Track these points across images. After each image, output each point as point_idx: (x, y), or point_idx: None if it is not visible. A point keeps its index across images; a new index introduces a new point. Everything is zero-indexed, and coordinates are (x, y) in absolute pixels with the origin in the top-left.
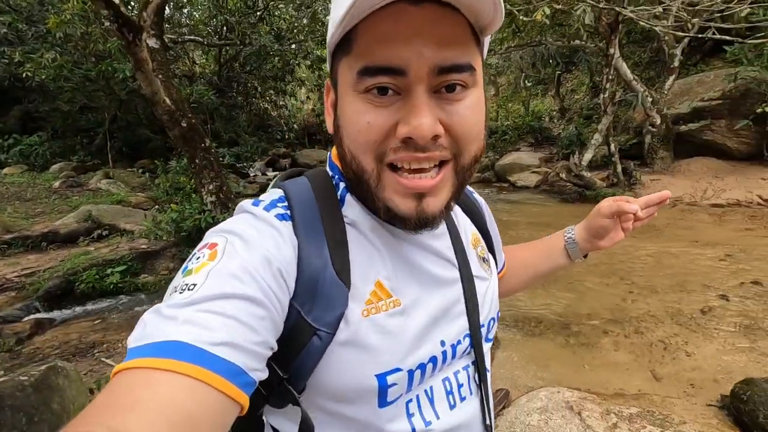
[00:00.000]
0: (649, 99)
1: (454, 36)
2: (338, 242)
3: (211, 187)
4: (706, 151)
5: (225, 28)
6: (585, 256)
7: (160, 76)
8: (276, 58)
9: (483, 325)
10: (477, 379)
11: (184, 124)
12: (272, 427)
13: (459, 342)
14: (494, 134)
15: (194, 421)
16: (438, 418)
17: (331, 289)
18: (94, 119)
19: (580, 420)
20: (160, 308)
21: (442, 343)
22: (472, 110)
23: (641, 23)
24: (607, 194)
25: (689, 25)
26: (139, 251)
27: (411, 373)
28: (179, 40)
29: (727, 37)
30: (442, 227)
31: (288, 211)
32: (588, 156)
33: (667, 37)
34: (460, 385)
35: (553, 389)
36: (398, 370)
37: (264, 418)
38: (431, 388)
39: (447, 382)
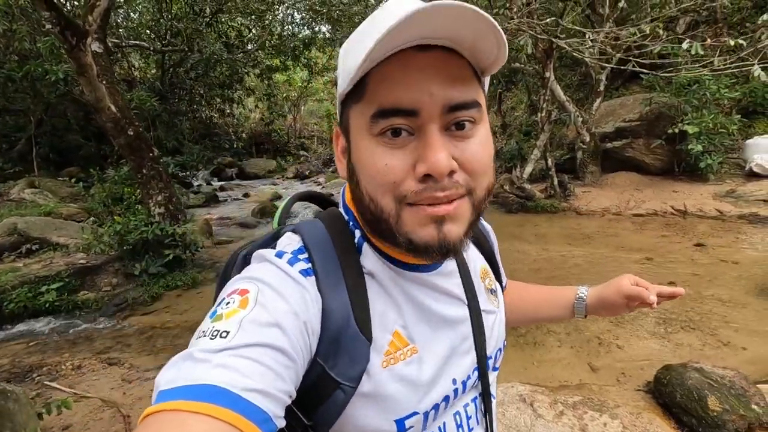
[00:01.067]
0: (580, 118)
1: (460, 76)
2: (359, 296)
3: (159, 198)
4: (629, 167)
5: (169, 32)
6: (585, 316)
7: (104, 81)
8: (224, 66)
9: (490, 357)
10: (483, 408)
11: (131, 133)
12: None
13: (468, 377)
14: None
15: None
16: None
17: (353, 344)
18: (15, 123)
19: (533, 410)
20: (192, 352)
21: (454, 382)
22: (482, 146)
23: (575, 54)
24: (545, 205)
25: (612, 56)
26: (77, 266)
27: (426, 414)
28: (123, 44)
29: (644, 70)
30: (452, 266)
31: (310, 265)
32: (528, 169)
33: (594, 64)
34: (468, 417)
35: (508, 384)
36: (415, 413)
37: None
38: (444, 423)
39: (458, 416)
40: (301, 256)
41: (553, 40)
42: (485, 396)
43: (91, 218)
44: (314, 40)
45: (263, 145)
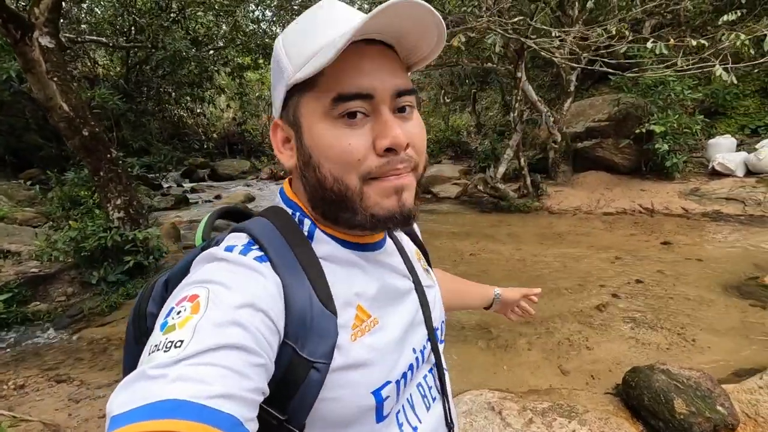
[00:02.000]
0: (551, 119)
1: (399, 67)
2: (317, 275)
3: (118, 201)
4: (599, 166)
5: (133, 28)
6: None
7: (55, 78)
8: (193, 64)
9: (437, 329)
10: (438, 380)
11: (86, 133)
12: None
13: (424, 347)
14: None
15: None
16: (421, 422)
17: (321, 321)
18: None
19: (501, 419)
20: (145, 370)
21: (414, 351)
22: (420, 127)
23: (543, 53)
24: (519, 205)
25: (582, 57)
26: (29, 275)
27: (398, 383)
28: (79, 39)
29: (611, 70)
30: (393, 246)
31: (263, 252)
32: (502, 169)
33: (564, 65)
34: (429, 388)
35: (477, 392)
36: (388, 382)
37: None
38: (411, 395)
39: (420, 387)
40: (253, 247)
41: (523, 39)
42: (438, 367)
43: (48, 223)
44: None
45: (236, 146)
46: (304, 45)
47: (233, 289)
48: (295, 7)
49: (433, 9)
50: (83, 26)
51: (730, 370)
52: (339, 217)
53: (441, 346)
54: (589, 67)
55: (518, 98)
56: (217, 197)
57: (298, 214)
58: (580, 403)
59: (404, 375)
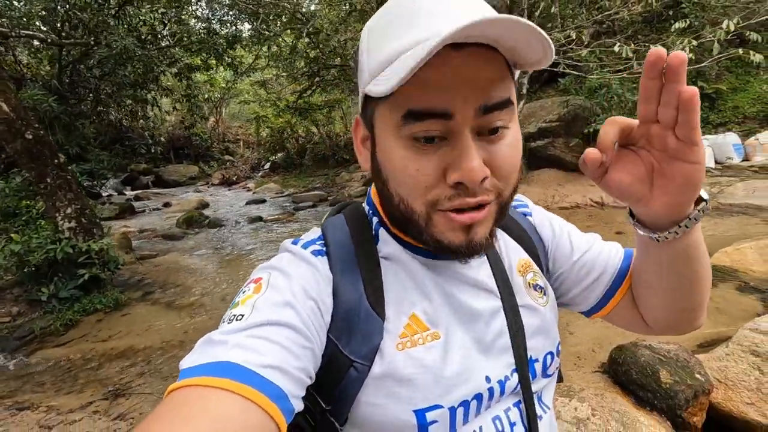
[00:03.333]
0: None
1: (495, 75)
2: (372, 276)
3: (69, 210)
4: (551, 164)
5: (67, 24)
6: (669, 236)
7: None
8: (139, 64)
9: (536, 360)
10: (526, 419)
11: (29, 136)
12: None
13: (507, 378)
14: None
15: None
16: None
17: (366, 322)
18: None
19: None
20: (211, 336)
21: (488, 380)
22: (512, 147)
23: None
24: None
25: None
26: None
27: (453, 410)
28: (12, 34)
29: (569, 71)
30: (482, 257)
31: (324, 248)
32: None
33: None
34: (512, 424)
35: None
36: (438, 407)
37: None
38: (480, 428)
39: (498, 421)
40: (317, 242)
41: None
42: (527, 402)
43: None
44: (239, 38)
45: (183, 150)
46: (383, 45)
47: (290, 276)
48: (251, 7)
49: (530, 23)
50: (4, 20)
51: (696, 342)
52: (407, 230)
53: (544, 381)
54: (549, 69)
55: None
56: (166, 205)
57: (371, 212)
58: (575, 383)
59: (464, 403)
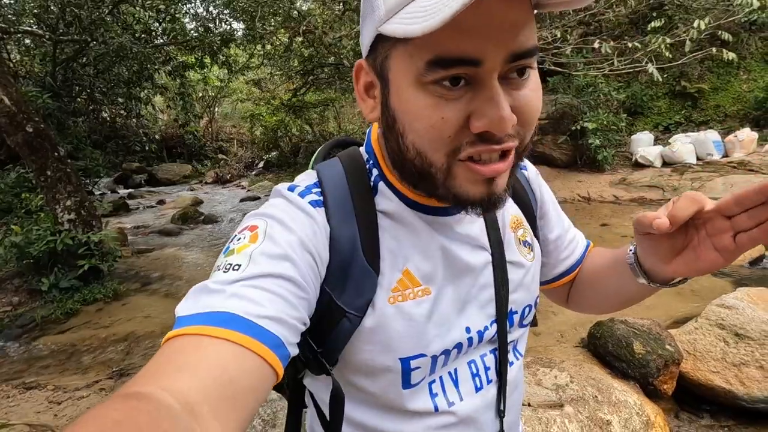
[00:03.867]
0: None
1: (523, 20)
2: (369, 230)
3: (68, 203)
4: (540, 161)
5: (62, 21)
6: (672, 284)
7: None
8: (132, 61)
9: (516, 312)
10: (499, 364)
11: (30, 129)
12: (310, 392)
13: (486, 328)
14: None
15: (239, 385)
16: (461, 399)
17: (360, 275)
18: None
19: None
20: (207, 284)
21: (467, 330)
22: (535, 92)
23: None
24: None
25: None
26: None
27: (435, 358)
28: (11, 30)
29: (558, 69)
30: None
31: (321, 198)
32: None
33: None
34: (487, 368)
35: None
36: (422, 355)
37: (304, 382)
38: (455, 370)
39: (473, 365)
40: (314, 190)
41: None
42: (501, 351)
43: None
44: (233, 37)
45: (176, 149)
46: None
47: (289, 226)
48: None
49: None
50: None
51: (670, 320)
52: (418, 185)
53: (520, 331)
54: (543, 67)
55: None
56: (161, 202)
57: (371, 162)
58: (556, 356)
59: (446, 352)
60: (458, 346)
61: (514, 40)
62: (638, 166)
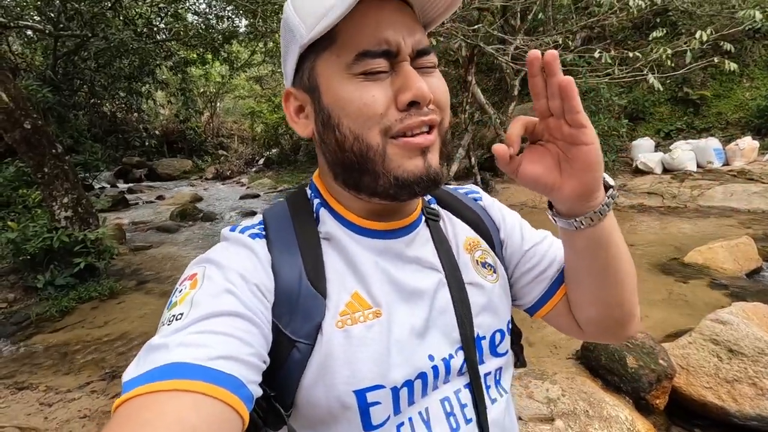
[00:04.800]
0: (498, 120)
1: (416, 25)
2: (312, 254)
3: (65, 200)
4: None
5: (63, 15)
6: (585, 222)
7: None
8: (135, 57)
9: (483, 337)
10: (473, 397)
11: (28, 126)
12: None
13: (452, 356)
14: None
15: None
16: None
17: (306, 300)
18: None
19: None
20: (150, 342)
21: (431, 358)
22: (443, 83)
23: (492, 55)
24: None
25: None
26: None
27: (395, 390)
28: (11, 24)
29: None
30: (425, 234)
31: (263, 231)
32: (454, 168)
33: (509, 70)
34: (463, 406)
35: None
36: (380, 387)
37: None
38: (427, 409)
39: (447, 403)
40: (256, 227)
41: (482, 45)
42: (474, 382)
43: None
44: (235, 34)
45: (176, 144)
46: (316, 3)
47: (226, 264)
48: (248, 4)
49: None
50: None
51: (664, 333)
52: (361, 183)
53: (496, 361)
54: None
55: (468, 101)
56: (160, 198)
57: (314, 194)
58: (549, 368)
59: (408, 383)
60: (422, 375)
61: (414, 37)
62: (638, 172)
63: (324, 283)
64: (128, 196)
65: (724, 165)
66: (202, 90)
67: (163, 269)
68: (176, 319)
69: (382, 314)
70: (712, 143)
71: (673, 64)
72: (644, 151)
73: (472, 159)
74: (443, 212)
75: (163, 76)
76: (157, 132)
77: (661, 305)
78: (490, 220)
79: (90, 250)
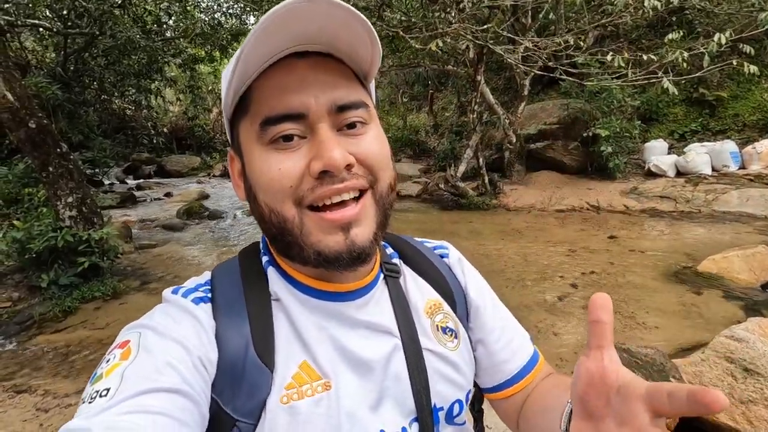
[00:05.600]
0: (507, 121)
1: (341, 79)
2: (261, 320)
3: (70, 199)
4: (550, 166)
5: (73, 12)
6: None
7: None
8: (143, 54)
9: (441, 408)
10: None
11: (33, 125)
12: None
13: (405, 430)
14: None
15: None
16: None
17: (252, 374)
18: None
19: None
20: (68, 426)
21: None
22: (376, 142)
23: (500, 55)
24: (478, 202)
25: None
26: None
27: None
28: (19, 23)
29: (564, 77)
30: (381, 295)
31: (209, 294)
32: (462, 168)
33: (518, 70)
34: None
35: None
36: None
37: None
38: None
39: None
40: (201, 288)
41: (490, 45)
42: None
43: None
44: (243, 32)
45: (185, 141)
46: (229, 71)
47: (164, 333)
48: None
49: (344, 4)
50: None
51: (676, 346)
52: (290, 253)
53: (451, 429)
54: (544, 73)
55: (477, 100)
56: (168, 195)
57: (263, 249)
58: None
59: None
60: None
61: (332, 93)
62: (651, 175)
63: (272, 354)
64: (137, 193)
65: (740, 169)
66: (210, 87)
67: (167, 269)
68: (100, 396)
69: (332, 387)
70: (728, 146)
71: (689, 67)
72: (657, 153)
73: (480, 159)
74: (405, 269)
75: (172, 74)
76: (165, 129)
77: (673, 317)
78: (455, 279)
79: (94, 249)
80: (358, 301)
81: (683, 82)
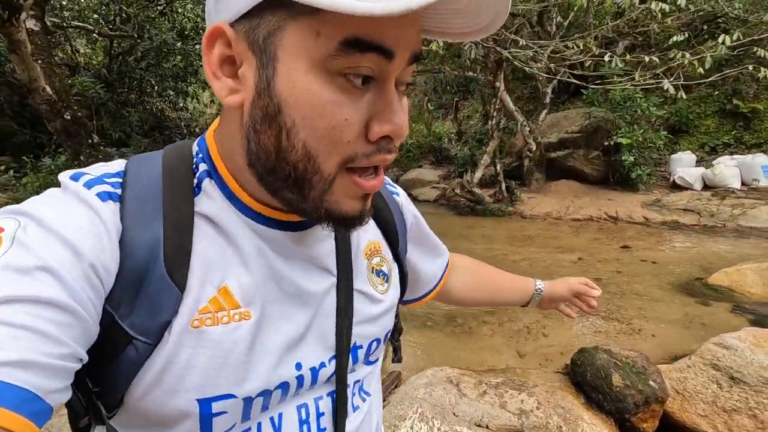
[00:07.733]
0: (527, 128)
1: (420, 23)
2: (179, 234)
3: None
4: (570, 175)
5: (118, 18)
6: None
7: (39, 61)
8: (178, 57)
9: (360, 347)
10: (334, 411)
11: (68, 117)
12: None
13: (323, 365)
14: (399, 151)
15: None
16: None
17: (157, 290)
18: None
19: (458, 390)
20: None
21: (298, 366)
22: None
23: (517, 63)
24: (493, 209)
25: (557, 71)
26: None
27: (248, 401)
28: (64, 24)
29: (576, 82)
30: (326, 233)
31: (117, 190)
32: (478, 174)
33: (541, 78)
34: (320, 414)
35: (438, 368)
36: (231, 396)
37: None
38: (280, 415)
39: (303, 410)
40: (109, 180)
41: (503, 51)
42: (339, 394)
43: None
44: None
45: None
46: None
47: (52, 229)
48: None
49: None
50: (66, 13)
51: (669, 354)
52: (282, 194)
53: (366, 368)
54: (563, 79)
55: (496, 107)
56: None
57: (201, 156)
58: (531, 379)
59: (265, 393)
60: (283, 385)
61: (418, 39)
62: (676, 187)
63: (185, 273)
64: None
65: None
66: None
67: None
68: None
69: (252, 317)
70: (761, 159)
71: (702, 71)
72: (684, 165)
73: (498, 166)
74: None
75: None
76: (197, 130)
77: (673, 326)
78: (402, 219)
79: None
80: (304, 231)
81: (716, 92)
